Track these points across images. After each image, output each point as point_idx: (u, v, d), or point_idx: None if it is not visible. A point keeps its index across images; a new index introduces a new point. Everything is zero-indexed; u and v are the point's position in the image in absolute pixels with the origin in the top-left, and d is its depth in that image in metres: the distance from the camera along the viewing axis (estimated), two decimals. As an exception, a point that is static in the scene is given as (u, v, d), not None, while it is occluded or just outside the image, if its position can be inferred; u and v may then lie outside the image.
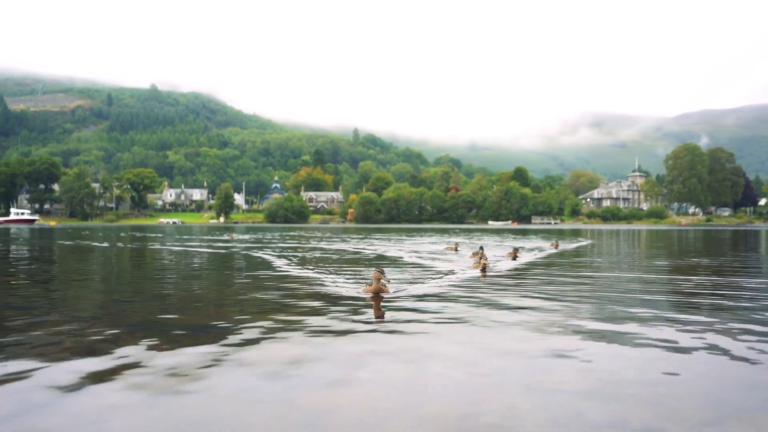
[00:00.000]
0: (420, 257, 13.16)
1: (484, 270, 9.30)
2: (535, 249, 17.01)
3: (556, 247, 17.79)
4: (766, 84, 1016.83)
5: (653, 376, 3.16)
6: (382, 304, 5.74)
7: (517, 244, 20.10)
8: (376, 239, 25.57)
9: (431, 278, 8.34)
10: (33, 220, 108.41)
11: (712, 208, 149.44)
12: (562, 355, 3.63)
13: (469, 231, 46.50)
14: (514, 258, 12.45)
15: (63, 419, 2.52)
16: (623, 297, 6.38)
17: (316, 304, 5.76)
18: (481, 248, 13.25)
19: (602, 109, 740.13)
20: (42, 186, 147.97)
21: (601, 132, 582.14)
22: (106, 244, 20.45)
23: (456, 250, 15.08)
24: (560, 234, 36.31)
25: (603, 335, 4.24)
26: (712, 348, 3.85)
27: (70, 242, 22.70)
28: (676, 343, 4.00)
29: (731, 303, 5.97)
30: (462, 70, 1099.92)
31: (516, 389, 2.91)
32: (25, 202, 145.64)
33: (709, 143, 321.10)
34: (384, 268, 6.58)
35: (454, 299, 6.10)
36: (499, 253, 14.02)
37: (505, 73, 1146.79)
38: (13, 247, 19.26)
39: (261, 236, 30.22)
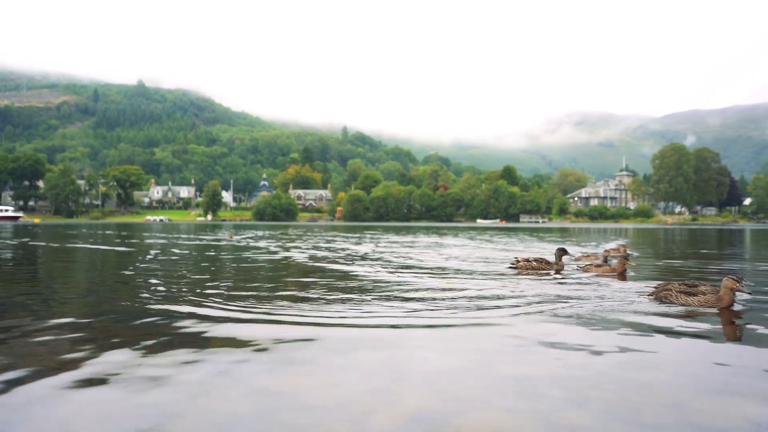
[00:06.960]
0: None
1: None
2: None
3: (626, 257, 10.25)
4: (752, 85, 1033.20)
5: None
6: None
7: (545, 246, 14.80)
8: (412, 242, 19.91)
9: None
10: (17, 218, 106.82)
11: (698, 208, 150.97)
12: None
13: (458, 230, 46.43)
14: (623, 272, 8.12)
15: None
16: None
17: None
18: (562, 250, 9.11)
19: (588, 107, 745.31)
20: (26, 183, 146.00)
21: (587, 131, 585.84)
22: (120, 248, 20.03)
23: (606, 259, 9.11)
24: (549, 232, 36.12)
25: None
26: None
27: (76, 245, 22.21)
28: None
29: None
30: (446, 69, 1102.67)
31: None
32: (9, 199, 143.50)
33: (695, 143, 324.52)
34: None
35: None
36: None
37: (489, 71, 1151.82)
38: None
39: (260, 234, 29.90)
